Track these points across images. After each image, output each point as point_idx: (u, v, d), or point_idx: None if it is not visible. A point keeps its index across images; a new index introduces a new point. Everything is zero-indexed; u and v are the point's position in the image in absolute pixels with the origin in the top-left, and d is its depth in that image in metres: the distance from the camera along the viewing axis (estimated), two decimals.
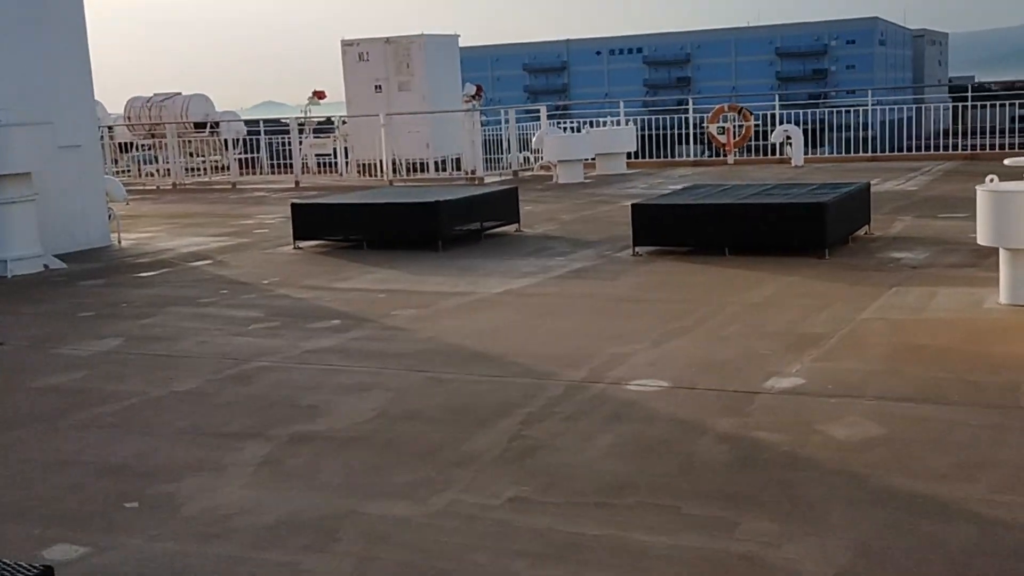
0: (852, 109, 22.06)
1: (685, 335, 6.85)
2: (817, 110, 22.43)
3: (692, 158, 20.81)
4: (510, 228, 12.27)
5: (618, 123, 20.35)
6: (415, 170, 20.90)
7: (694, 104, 22.14)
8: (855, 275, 8.58)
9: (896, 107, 21.02)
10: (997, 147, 19.29)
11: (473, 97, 20.31)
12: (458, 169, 20.71)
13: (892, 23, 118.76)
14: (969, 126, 19.79)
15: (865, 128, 20.09)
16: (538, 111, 21.84)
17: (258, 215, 15.83)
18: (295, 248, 11.78)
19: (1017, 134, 19.65)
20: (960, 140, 19.27)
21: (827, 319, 7.09)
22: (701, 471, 4.48)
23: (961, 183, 15.02)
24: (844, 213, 9.79)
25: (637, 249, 10.17)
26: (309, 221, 11.76)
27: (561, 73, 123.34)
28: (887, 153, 19.54)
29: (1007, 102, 21.90)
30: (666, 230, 10.05)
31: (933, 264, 8.91)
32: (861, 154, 19.70)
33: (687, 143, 21.80)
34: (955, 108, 21.49)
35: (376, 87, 21.91)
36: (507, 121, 20.77)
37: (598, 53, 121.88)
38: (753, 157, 20.63)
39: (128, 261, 11.63)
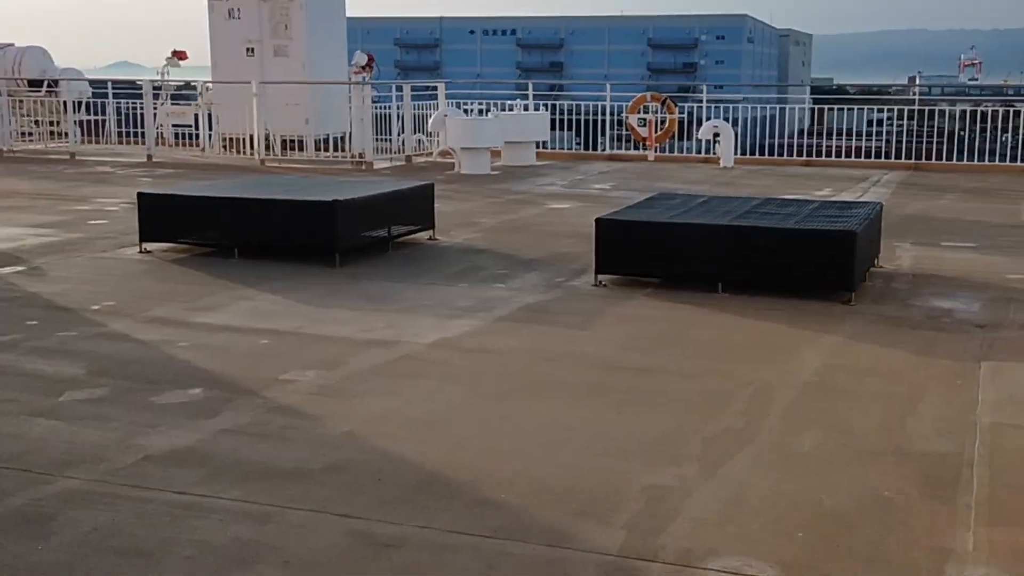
0: (722, 105, 20.35)
1: (744, 449, 4.50)
2: (687, 104, 20.55)
3: (607, 151, 18.58)
4: (423, 235, 9.75)
5: (526, 108, 17.97)
6: (291, 148, 18.05)
7: (566, 90, 19.94)
8: (912, 337, 6.39)
9: (761, 106, 19.28)
10: (943, 156, 17.70)
11: (364, 68, 17.60)
12: (341, 150, 17.97)
13: (760, 21, 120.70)
14: (827, 127, 19.16)
15: (735, 124, 18.32)
16: (435, 88, 19.25)
17: (98, 198, 12.83)
18: (142, 252, 9.00)
19: (874, 136, 19.00)
20: (824, 140, 18.28)
21: (934, 423, 4.85)
22: None
23: (928, 198, 13.20)
24: (866, 244, 7.63)
25: (600, 278, 7.82)
26: (162, 217, 8.99)
27: (434, 50, 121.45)
28: (821, 158, 17.71)
29: (864, 106, 21.61)
30: (639, 255, 7.71)
31: (1003, 323, 6.80)
32: (795, 157, 17.84)
33: (595, 133, 19.62)
34: (816, 109, 21.49)
35: (248, 50, 18.89)
36: (400, 98, 18.11)
37: (471, 32, 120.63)
38: (676, 154, 18.55)
39: None
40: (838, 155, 17.88)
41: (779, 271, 7.37)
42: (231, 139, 18.20)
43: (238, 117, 17.68)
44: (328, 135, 18.35)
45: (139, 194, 9.19)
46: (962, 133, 18.04)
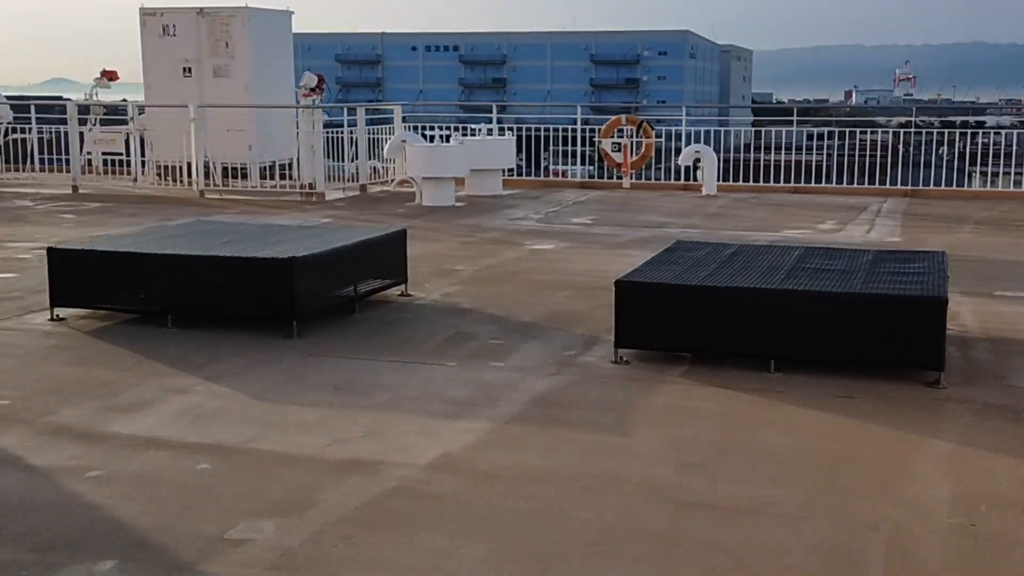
0: (702, 128, 19.31)
1: None
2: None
3: (578, 179, 17.18)
4: (393, 290, 8.24)
5: (490, 132, 16.51)
6: (234, 177, 16.40)
7: (509, 109, 18.63)
8: None
9: (703, 127, 18.05)
10: (932, 182, 16.57)
11: (313, 90, 16.03)
12: (289, 178, 16.37)
13: (702, 37, 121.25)
14: (765, 142, 18.89)
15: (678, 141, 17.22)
16: (391, 111, 17.73)
17: (9, 242, 11.12)
18: (53, 320, 7.38)
19: (818, 150, 18.18)
20: (761, 154, 17.72)
21: None
22: None
23: (944, 232, 11.96)
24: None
25: (621, 352, 6.37)
26: (79, 277, 7.37)
27: (375, 67, 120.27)
28: (810, 184, 16.47)
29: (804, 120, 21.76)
30: (670, 325, 6.27)
31: None
32: (783, 184, 16.58)
33: (537, 151, 18.24)
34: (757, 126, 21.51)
35: (185, 70, 17.23)
36: (353, 122, 16.57)
37: (413, 48, 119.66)
38: (653, 181, 17.20)
39: None
40: (793, 173, 16.69)
41: (846, 346, 5.98)
42: (167, 167, 16.51)
43: (174, 143, 16.02)
44: (274, 162, 16.74)
45: (49, 250, 7.55)
46: (902, 147, 17.31)
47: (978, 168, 18.38)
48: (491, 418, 5.31)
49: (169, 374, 6.10)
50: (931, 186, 16.30)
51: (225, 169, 16.27)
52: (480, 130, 15.99)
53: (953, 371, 6.05)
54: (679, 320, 6.24)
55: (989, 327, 7.20)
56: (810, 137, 21.06)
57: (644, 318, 6.29)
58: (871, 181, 16.29)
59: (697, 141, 16.45)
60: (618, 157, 16.44)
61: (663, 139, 17.15)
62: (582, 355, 6.54)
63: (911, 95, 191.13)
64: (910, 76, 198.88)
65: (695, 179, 16.23)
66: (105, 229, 11.78)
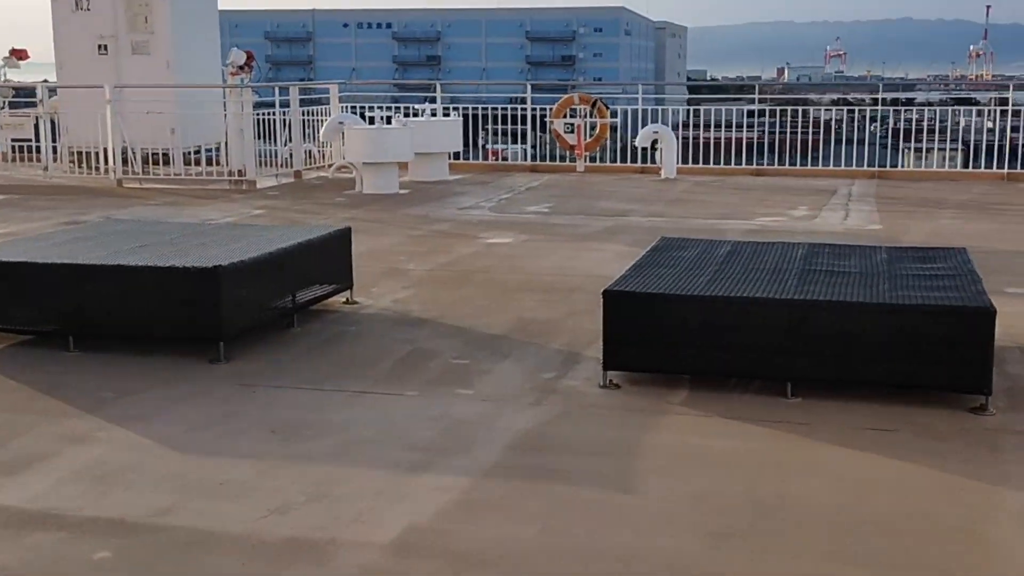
0: (660, 108, 18.47)
1: None
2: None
3: (528, 162, 16.15)
4: (338, 298, 7.20)
5: (435, 113, 15.42)
6: (155, 163, 15.12)
7: (449, 87, 17.60)
8: None
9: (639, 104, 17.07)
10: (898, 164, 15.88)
11: (242, 68, 14.82)
12: (217, 164, 15.14)
13: (637, 14, 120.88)
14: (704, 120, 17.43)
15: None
16: (326, 90, 16.55)
17: None
18: None
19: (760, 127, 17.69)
20: (700, 132, 16.71)
21: None
22: None
23: (926, 218, 11.20)
24: None
25: (611, 376, 5.42)
26: None
27: (306, 44, 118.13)
28: (773, 166, 15.66)
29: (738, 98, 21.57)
30: (667, 343, 5.34)
31: None
32: (744, 166, 15.75)
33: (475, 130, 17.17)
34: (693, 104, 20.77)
35: (100, 47, 15.88)
36: (286, 103, 15.39)
37: (345, 25, 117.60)
38: (608, 164, 16.25)
39: None
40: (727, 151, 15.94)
41: (875, 366, 5.09)
42: (82, 153, 15.18)
43: (89, 127, 14.69)
44: (200, 147, 15.50)
45: None
46: (834, 123, 16.88)
47: (912, 144, 18.05)
48: (466, 470, 4.33)
49: (67, 415, 5.01)
50: (899, 167, 15.57)
51: (146, 155, 15.00)
52: (424, 111, 14.91)
53: (995, 391, 5.19)
54: (679, 337, 5.30)
55: (1015, 333, 6.37)
56: (750, 115, 20.56)
57: (638, 335, 5.34)
58: (835, 163, 15.49)
59: (654, 121, 15.54)
60: (571, 139, 15.48)
61: (618, 119, 16.20)
62: (564, 377, 5.58)
63: (842, 72, 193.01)
64: (841, 52, 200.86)
65: (652, 161, 15.34)
66: (8, 226, 10.55)
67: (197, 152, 15.15)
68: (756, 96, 16.63)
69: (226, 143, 14.86)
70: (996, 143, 15.37)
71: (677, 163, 15.02)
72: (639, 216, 11.40)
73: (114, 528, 3.82)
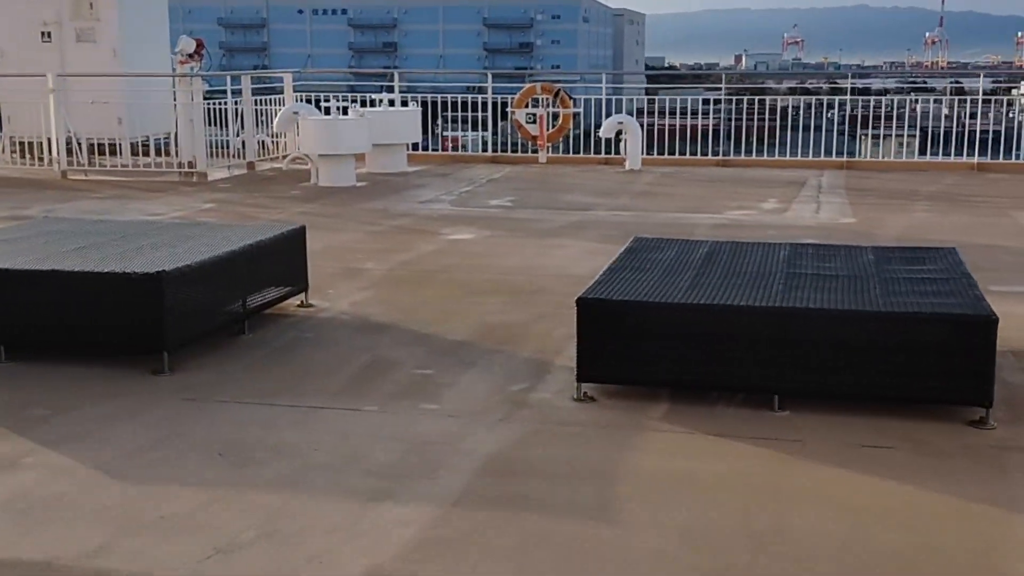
0: (624, 97, 18.22)
1: None
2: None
3: (489, 153, 15.72)
4: (293, 300, 6.78)
5: (393, 102, 14.95)
6: (101, 153, 14.54)
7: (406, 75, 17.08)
8: None
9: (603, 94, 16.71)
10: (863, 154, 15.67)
11: (192, 56, 14.27)
12: (166, 155, 14.59)
13: (595, 1, 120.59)
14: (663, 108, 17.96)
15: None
16: (280, 79, 16.03)
17: None
18: None
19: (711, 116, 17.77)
20: (657, 119, 16.75)
21: None
22: None
23: (899, 210, 10.95)
24: None
25: (585, 388, 5.06)
26: None
27: (260, 31, 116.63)
28: (739, 157, 15.38)
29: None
30: (645, 354, 4.98)
31: None
32: (710, 157, 15.47)
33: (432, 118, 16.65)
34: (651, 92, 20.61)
35: (43, 34, 15.26)
36: (238, 92, 14.85)
37: (300, 12, 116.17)
38: (571, 155, 15.88)
39: None
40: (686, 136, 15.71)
41: (868, 377, 4.77)
42: (25, 144, 14.56)
43: (33, 117, 14.10)
44: (148, 137, 14.93)
45: None
46: (791, 110, 16.80)
47: (870, 131, 18.04)
48: (432, 497, 3.95)
49: None
50: (868, 157, 15.36)
51: (92, 145, 14.41)
52: (382, 101, 14.45)
53: (994, 402, 4.89)
54: (659, 346, 4.95)
55: (1008, 336, 6.07)
56: (705, 102, 20.41)
57: (614, 345, 4.99)
58: (802, 152, 15.25)
59: (619, 111, 15.21)
60: (533, 129, 15.09)
61: (582, 109, 15.84)
62: (534, 390, 5.21)
63: (799, 59, 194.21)
64: (798, 40, 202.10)
65: (616, 152, 15.00)
66: None
67: (146, 143, 14.60)
68: (723, 85, 16.29)
69: (175, 134, 14.33)
70: (954, 129, 15.29)
71: (642, 154, 14.69)
72: (605, 210, 11.06)
73: (38, 573, 3.40)
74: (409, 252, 8.74)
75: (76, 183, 13.33)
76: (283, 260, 6.63)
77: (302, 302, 6.83)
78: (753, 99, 17.35)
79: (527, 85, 15.41)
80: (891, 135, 18.82)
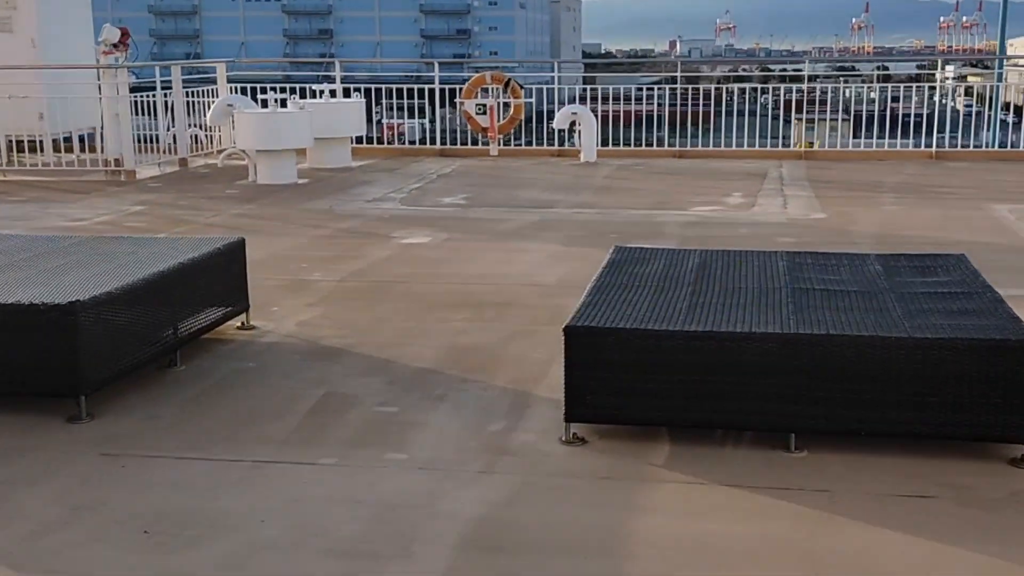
0: (578, 87, 17.62)
1: None
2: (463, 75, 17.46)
3: (437, 146, 14.98)
4: (232, 322, 6.03)
5: (334, 93, 14.15)
6: (20, 150, 13.55)
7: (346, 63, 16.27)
8: None
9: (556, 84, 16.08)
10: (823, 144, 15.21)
11: (116, 47, 13.33)
12: (90, 151, 13.65)
13: None
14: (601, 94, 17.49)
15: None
16: (213, 69, 15.12)
17: None
18: None
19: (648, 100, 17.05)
20: (599, 105, 16.32)
21: None
22: None
23: (868, 204, 10.45)
24: None
25: (574, 429, 4.40)
26: None
27: (192, 18, 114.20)
28: (696, 148, 14.78)
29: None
30: (641, 387, 4.33)
31: None
32: (667, 148, 14.87)
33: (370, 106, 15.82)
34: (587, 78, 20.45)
35: None
36: (168, 84, 13.94)
37: None
38: (522, 147, 15.20)
39: None
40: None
41: (900, 413, 4.17)
42: None
43: None
44: (70, 133, 13.97)
45: None
46: (725, 95, 16.44)
47: (804, 115, 17.75)
48: None
49: None
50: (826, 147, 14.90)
51: (11, 142, 13.42)
52: (323, 91, 13.63)
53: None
54: (659, 380, 4.30)
55: None
56: (649, 88, 20.00)
57: (607, 379, 4.33)
58: (749, 142, 14.78)
59: (571, 100, 14.56)
60: (483, 121, 14.38)
61: (533, 99, 15.15)
62: (516, 430, 4.54)
63: (732, 45, 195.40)
64: (731, 25, 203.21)
65: (569, 143, 14.36)
66: None
67: (68, 138, 13.64)
68: (678, 74, 15.72)
69: (100, 129, 13.40)
70: (876, 113, 15.21)
71: (596, 145, 14.07)
72: (566, 207, 10.41)
73: None
74: (360, 260, 8.01)
75: None
76: (220, 278, 5.87)
77: (242, 324, 6.09)
78: (687, 86, 16.89)
79: (476, 75, 14.67)
80: (826, 119, 18.69)
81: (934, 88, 16.49)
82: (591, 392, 4.33)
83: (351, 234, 9.10)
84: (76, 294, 4.69)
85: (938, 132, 14.59)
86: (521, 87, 14.63)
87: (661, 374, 4.30)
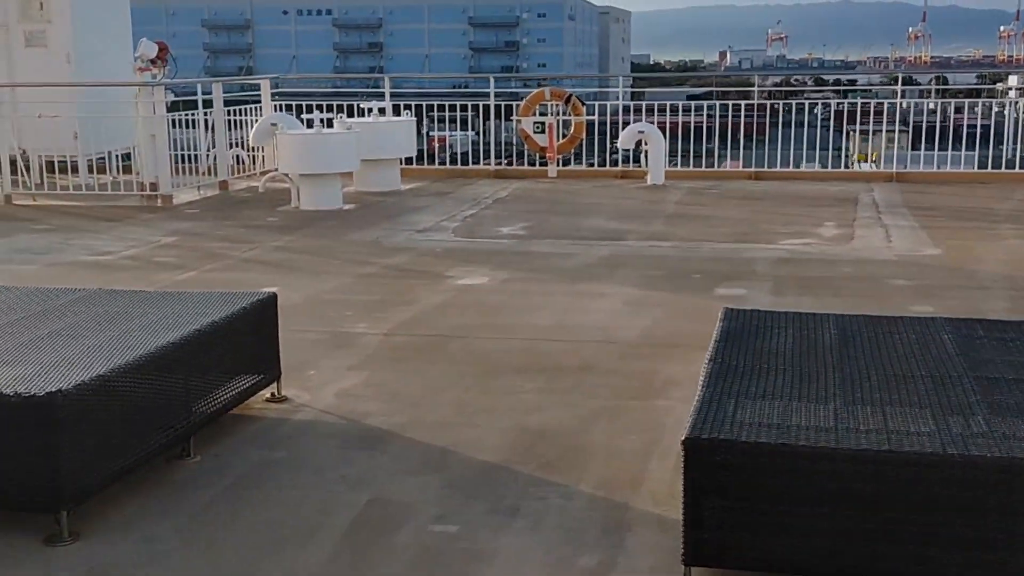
0: (643, 103, 16.65)
1: None
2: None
3: (492, 166, 13.96)
4: (261, 392, 5.04)
5: (383, 111, 13.21)
6: (53, 171, 12.77)
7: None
8: None
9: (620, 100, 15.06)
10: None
11: (154, 62, 12.51)
12: (127, 172, 12.84)
13: None
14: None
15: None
16: (258, 86, 14.26)
17: None
18: None
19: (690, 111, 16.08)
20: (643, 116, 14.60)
21: None
22: None
23: (986, 237, 9.26)
24: None
25: (694, 573, 3.34)
26: None
27: (245, 32, 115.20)
28: (774, 169, 13.60)
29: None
30: (785, 523, 3.26)
31: None
32: (742, 169, 13.76)
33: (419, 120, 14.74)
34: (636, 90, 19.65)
35: None
36: (209, 101, 13.11)
37: (285, 12, 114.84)
38: (583, 168, 14.17)
39: None
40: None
41: None
42: None
43: None
44: (110, 152, 13.19)
45: None
46: (776, 106, 15.33)
47: (857, 127, 16.65)
48: None
49: None
50: (921, 168, 13.69)
51: (44, 163, 12.63)
52: (371, 109, 12.69)
53: None
54: (813, 511, 3.23)
55: None
56: (690, 98, 19.10)
57: (741, 509, 3.27)
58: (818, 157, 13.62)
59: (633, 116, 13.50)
60: (542, 140, 13.36)
61: (596, 116, 14.11)
62: (615, 568, 3.48)
63: (784, 55, 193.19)
64: (782, 36, 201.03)
65: (635, 163, 13.31)
66: None
67: (102, 159, 12.83)
68: (756, 88, 14.63)
69: (135, 150, 12.57)
70: (937, 125, 13.98)
71: (665, 166, 12.99)
72: (638, 239, 9.35)
73: None
74: (410, 306, 7.00)
75: (19, 210, 11.56)
76: (247, 343, 4.89)
77: (273, 394, 5.11)
78: (740, 101, 15.89)
79: (535, 91, 13.65)
80: (881, 130, 17.56)
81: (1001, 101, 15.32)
82: (719, 527, 3.27)
83: (400, 272, 8.10)
84: (59, 380, 3.72)
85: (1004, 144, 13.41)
86: (583, 103, 13.59)
87: (817, 504, 3.22)
